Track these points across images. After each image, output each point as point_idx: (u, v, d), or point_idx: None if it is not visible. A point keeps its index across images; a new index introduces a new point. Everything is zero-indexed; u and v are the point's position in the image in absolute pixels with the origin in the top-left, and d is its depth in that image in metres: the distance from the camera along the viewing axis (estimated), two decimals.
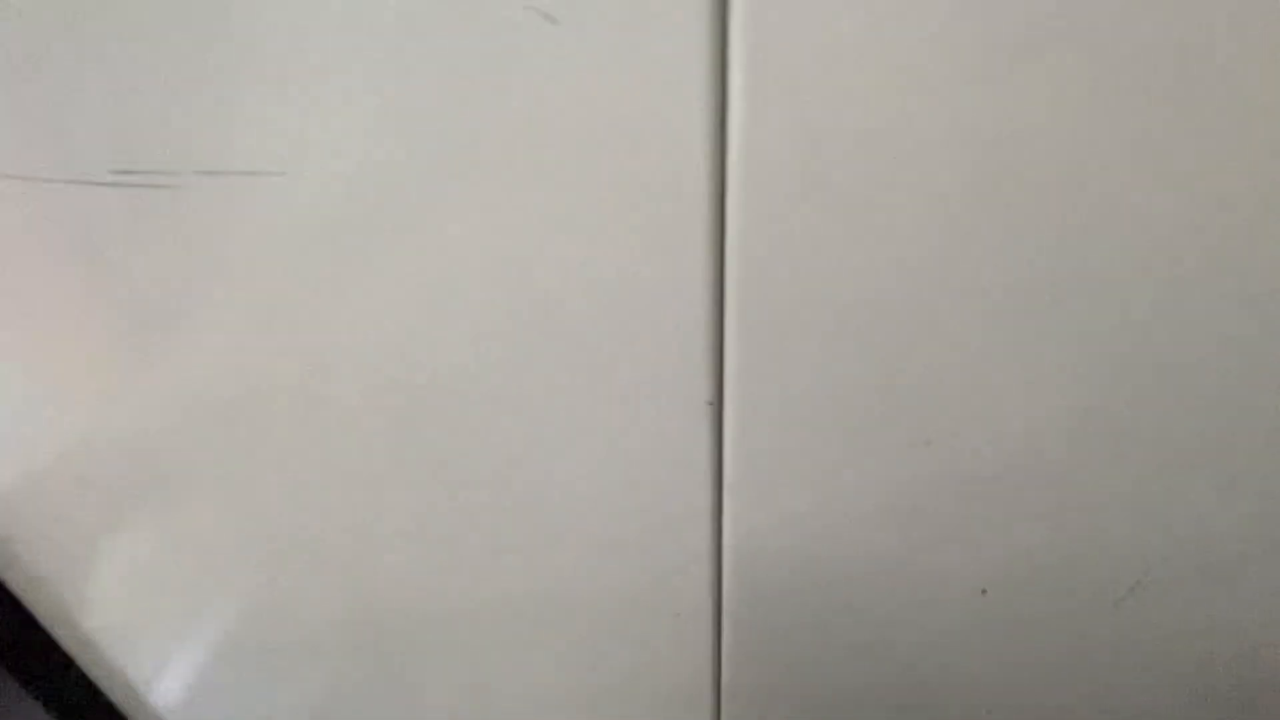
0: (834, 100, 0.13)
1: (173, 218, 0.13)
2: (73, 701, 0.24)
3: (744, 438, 0.17)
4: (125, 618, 0.22)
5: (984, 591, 0.20)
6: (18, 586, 0.21)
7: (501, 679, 0.23)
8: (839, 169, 0.14)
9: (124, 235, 0.14)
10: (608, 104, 0.13)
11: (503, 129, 0.13)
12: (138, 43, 0.12)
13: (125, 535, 0.20)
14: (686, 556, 0.19)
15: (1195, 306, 0.15)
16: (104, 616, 0.22)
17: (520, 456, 0.18)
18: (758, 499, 0.17)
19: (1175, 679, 0.24)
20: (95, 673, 0.24)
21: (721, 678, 0.22)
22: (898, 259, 0.15)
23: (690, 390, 0.16)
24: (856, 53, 0.12)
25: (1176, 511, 0.18)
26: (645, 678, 0.23)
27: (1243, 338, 0.16)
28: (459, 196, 0.14)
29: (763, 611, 0.20)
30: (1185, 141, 0.14)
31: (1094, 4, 0.12)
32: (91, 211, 0.14)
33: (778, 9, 0.12)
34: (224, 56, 0.12)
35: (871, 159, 0.14)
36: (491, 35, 0.12)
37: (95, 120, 0.13)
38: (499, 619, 0.21)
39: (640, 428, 0.17)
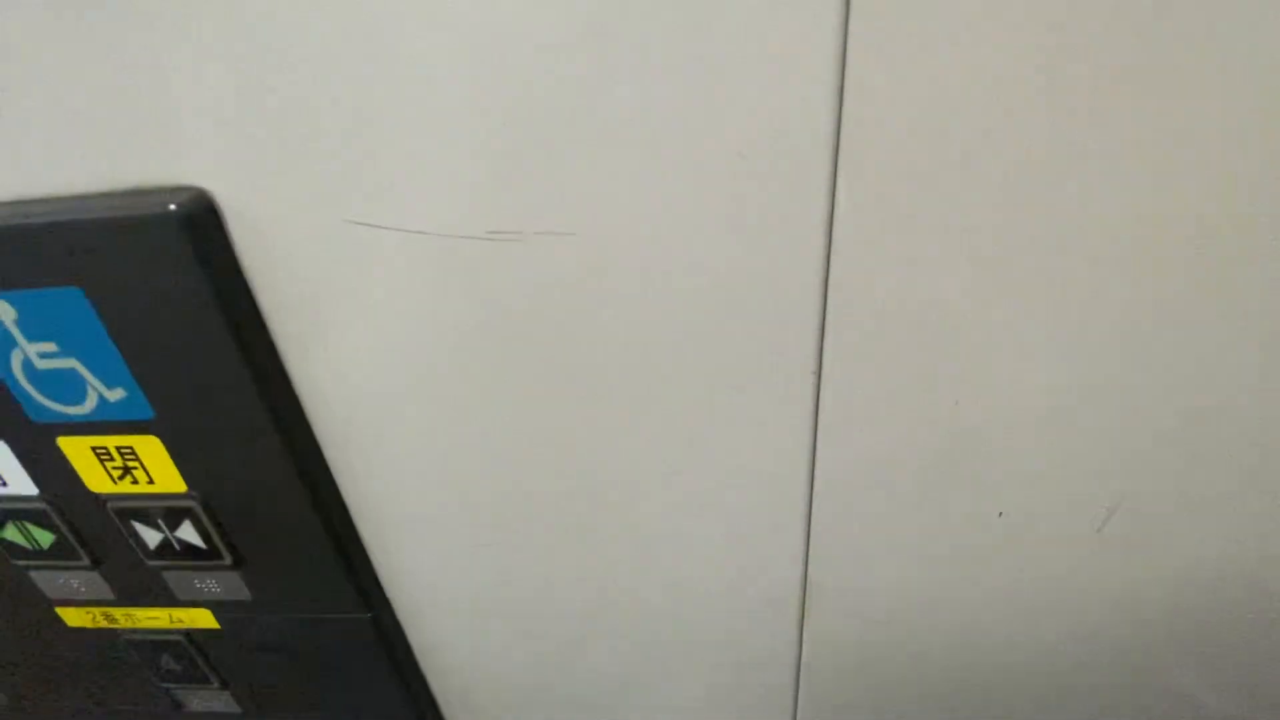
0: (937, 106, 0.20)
1: (525, 266, 0.23)
2: None
3: (836, 398, 0.26)
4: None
5: (1000, 514, 0.28)
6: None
7: (631, 575, 0.32)
8: (932, 168, 0.21)
9: (490, 278, 0.24)
10: (743, 99, 0.20)
11: (699, 131, 0.21)
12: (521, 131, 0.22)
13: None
14: (787, 477, 0.28)
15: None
16: None
17: (661, 420, 0.27)
18: (843, 438, 0.27)
19: (1154, 616, 0.32)
20: None
21: (809, 577, 0.32)
22: (962, 263, 0.23)
23: (799, 362, 0.25)
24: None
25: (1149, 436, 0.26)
26: (742, 581, 0.32)
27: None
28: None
29: (841, 517, 0.29)
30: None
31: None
32: (469, 259, 0.24)
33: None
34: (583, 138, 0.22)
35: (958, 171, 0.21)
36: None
37: (484, 188, 0.23)
38: (639, 529, 0.31)
39: (754, 387, 0.26)
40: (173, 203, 0.23)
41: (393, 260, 0.24)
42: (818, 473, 0.28)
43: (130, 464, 0.29)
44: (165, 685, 0.39)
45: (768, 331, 0.24)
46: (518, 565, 0.33)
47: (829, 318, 0.24)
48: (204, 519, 0.30)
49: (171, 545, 0.32)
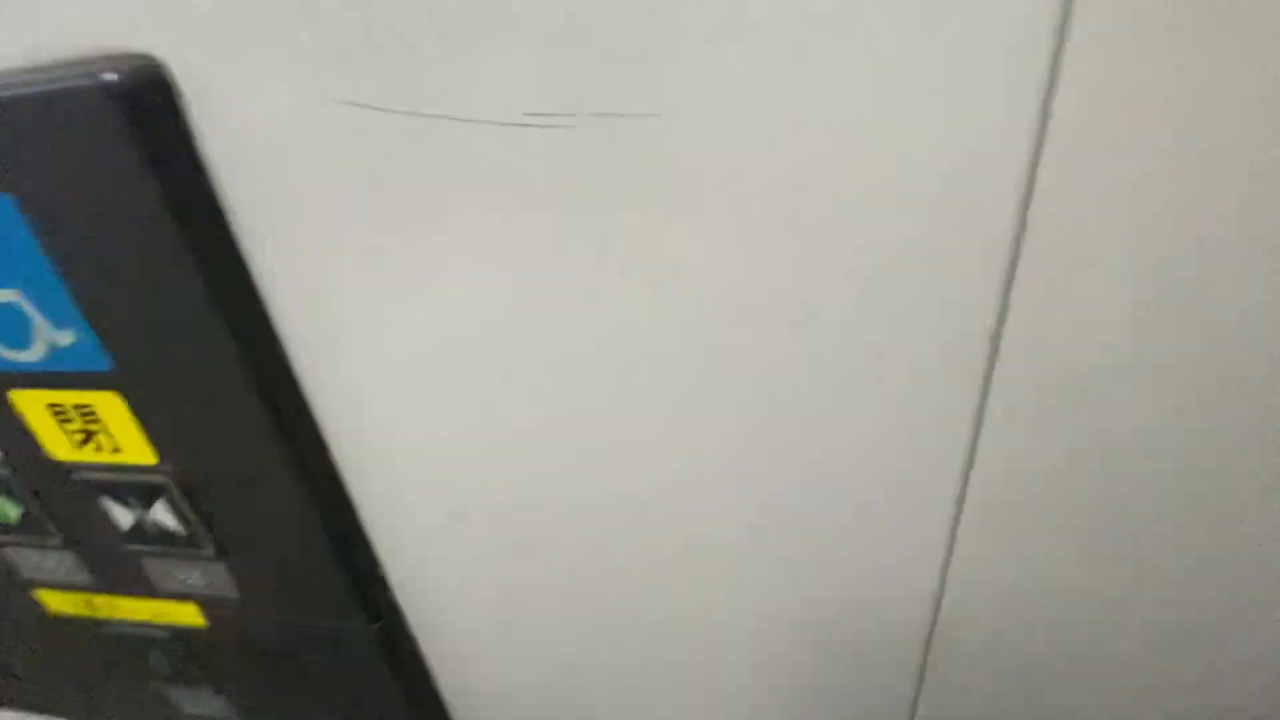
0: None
1: (570, 156, 0.17)
2: None
3: (1013, 367, 0.18)
4: None
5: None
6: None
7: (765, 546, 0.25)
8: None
9: (536, 177, 0.17)
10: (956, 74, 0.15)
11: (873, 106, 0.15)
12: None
13: None
14: (938, 470, 0.21)
15: None
16: None
17: (809, 373, 0.20)
18: (1014, 428, 0.19)
19: None
20: None
21: (949, 570, 0.24)
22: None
23: (977, 320, 0.18)
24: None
25: None
26: (875, 577, 0.24)
27: None
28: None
29: (999, 516, 0.21)
30: None
31: None
32: (502, 149, 0.17)
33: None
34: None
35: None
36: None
37: (519, 67, 0.16)
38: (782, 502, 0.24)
39: (928, 345, 0.18)
40: (111, 72, 0.17)
41: (401, 154, 0.17)
42: (973, 475, 0.20)
43: (91, 427, 0.24)
44: (153, 685, 0.34)
45: (936, 264, 0.17)
46: (559, 572, 0.26)
47: (1022, 256, 0.16)
48: (179, 499, 0.25)
49: (145, 528, 0.26)
